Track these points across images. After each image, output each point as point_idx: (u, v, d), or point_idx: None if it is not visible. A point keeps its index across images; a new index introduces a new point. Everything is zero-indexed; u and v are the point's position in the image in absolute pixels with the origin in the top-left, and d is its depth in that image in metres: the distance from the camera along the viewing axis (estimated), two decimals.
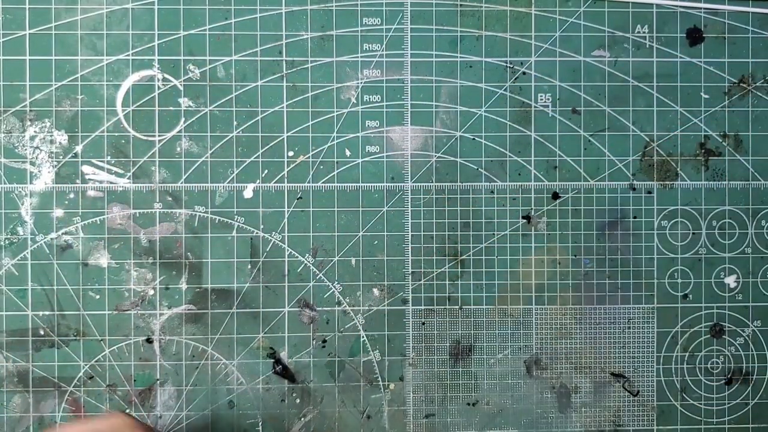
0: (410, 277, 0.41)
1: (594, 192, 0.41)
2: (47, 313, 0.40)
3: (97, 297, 0.40)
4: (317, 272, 0.41)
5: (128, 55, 0.40)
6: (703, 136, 0.42)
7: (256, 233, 0.41)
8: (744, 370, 0.42)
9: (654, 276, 0.42)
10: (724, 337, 0.42)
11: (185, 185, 0.40)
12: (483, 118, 0.41)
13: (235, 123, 0.40)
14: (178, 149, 0.40)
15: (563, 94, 0.41)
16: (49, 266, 0.40)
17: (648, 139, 0.42)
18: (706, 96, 0.42)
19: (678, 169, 0.42)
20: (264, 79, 0.40)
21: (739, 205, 0.42)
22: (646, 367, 0.42)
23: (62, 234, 0.40)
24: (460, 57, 0.41)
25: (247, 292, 0.41)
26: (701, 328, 0.42)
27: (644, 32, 0.41)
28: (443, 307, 0.41)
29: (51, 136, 0.40)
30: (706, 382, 0.42)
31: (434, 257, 0.41)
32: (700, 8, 0.41)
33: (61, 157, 0.40)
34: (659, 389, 0.42)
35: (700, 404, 0.42)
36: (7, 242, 0.40)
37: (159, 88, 0.40)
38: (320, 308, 0.41)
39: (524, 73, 0.41)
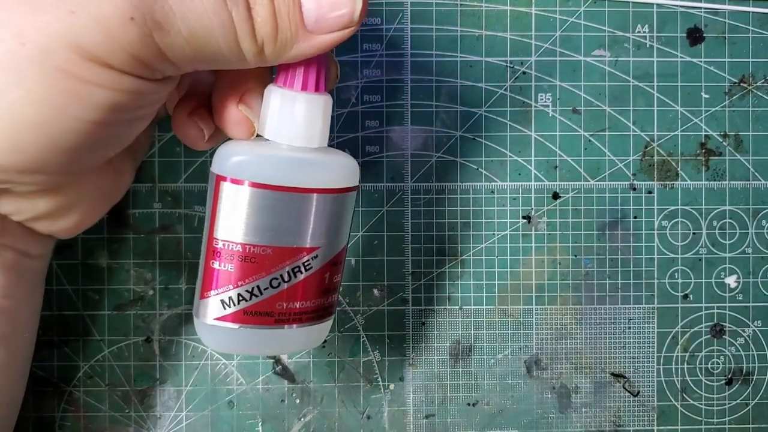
0: (410, 277, 0.41)
1: (594, 192, 0.41)
2: (47, 313, 0.40)
3: (97, 297, 0.40)
4: None
5: None
6: (703, 136, 0.42)
7: None
8: (744, 371, 0.42)
9: (654, 276, 0.42)
10: (724, 337, 0.42)
11: (185, 185, 0.40)
12: (483, 117, 0.41)
13: None
14: (178, 149, 0.40)
15: (563, 93, 0.41)
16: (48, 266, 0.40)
17: (648, 139, 0.41)
18: (707, 96, 0.41)
19: (678, 169, 0.42)
20: None
21: (739, 205, 0.42)
22: (646, 367, 0.42)
23: None
24: (461, 57, 0.41)
25: None
26: (702, 328, 0.42)
27: (644, 32, 0.41)
28: (443, 307, 0.41)
29: None
30: (707, 382, 0.42)
31: (434, 257, 0.41)
32: (701, 8, 0.41)
33: None
34: (659, 389, 0.42)
35: (701, 404, 0.42)
36: None
37: None
38: None
39: (524, 72, 0.41)
